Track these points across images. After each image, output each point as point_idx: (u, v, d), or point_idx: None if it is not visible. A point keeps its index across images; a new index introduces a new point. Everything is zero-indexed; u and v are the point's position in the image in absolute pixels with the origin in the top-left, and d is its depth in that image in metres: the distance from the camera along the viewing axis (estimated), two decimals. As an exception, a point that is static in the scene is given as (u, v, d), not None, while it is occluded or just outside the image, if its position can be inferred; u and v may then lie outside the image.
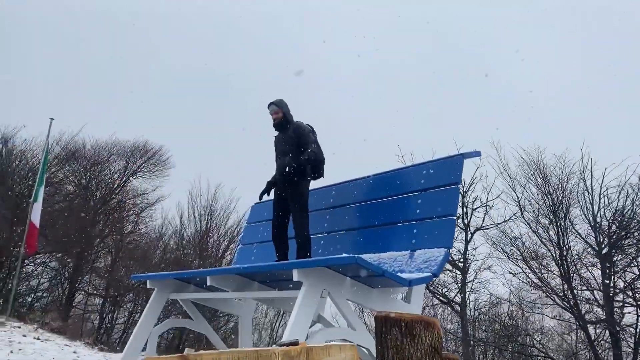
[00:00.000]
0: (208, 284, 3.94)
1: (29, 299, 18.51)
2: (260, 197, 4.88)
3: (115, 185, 19.39)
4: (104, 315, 19.90)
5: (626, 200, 11.63)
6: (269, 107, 4.71)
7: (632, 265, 11.49)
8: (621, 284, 11.53)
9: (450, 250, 3.73)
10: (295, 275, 3.17)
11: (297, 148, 4.53)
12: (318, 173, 4.63)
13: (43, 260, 18.06)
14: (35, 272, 18.32)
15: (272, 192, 4.90)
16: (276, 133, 4.82)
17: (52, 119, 10.90)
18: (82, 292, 19.50)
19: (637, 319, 11.19)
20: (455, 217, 3.75)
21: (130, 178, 19.76)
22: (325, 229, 4.81)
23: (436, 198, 3.89)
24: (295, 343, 1.23)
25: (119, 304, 20.14)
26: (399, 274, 3.46)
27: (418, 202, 4.01)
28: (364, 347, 3.37)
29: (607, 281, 11.35)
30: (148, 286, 4.74)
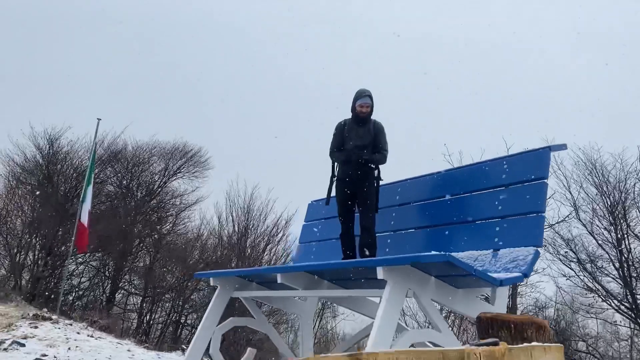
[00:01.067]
0: (279, 281, 3.80)
1: (71, 298, 18.88)
2: (328, 199, 4.70)
3: (156, 186, 19.60)
4: (143, 314, 20.13)
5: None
6: (360, 97, 4.46)
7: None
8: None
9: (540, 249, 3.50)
10: (380, 273, 2.99)
11: (373, 145, 4.40)
12: None
13: (84, 259, 18.36)
14: (77, 271, 18.66)
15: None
16: (340, 119, 4.66)
17: (99, 119, 11.02)
18: (123, 291, 19.77)
19: None
20: (544, 214, 3.53)
21: (170, 179, 19.96)
22: (391, 227, 4.62)
23: (521, 194, 3.67)
24: (495, 343, 1.07)
25: (158, 303, 20.37)
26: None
27: (500, 198, 3.79)
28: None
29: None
30: (211, 284, 4.64)
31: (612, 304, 11.71)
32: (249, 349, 4.71)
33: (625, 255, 11.44)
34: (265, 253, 19.08)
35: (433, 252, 3.04)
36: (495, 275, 3.25)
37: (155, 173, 19.63)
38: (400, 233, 4.55)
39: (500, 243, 3.63)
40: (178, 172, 20.01)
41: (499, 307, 3.56)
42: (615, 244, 11.59)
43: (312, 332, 5.21)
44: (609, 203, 11.94)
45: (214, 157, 20.92)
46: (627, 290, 11.21)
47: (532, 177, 3.65)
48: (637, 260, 11.50)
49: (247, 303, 4.80)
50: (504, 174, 3.86)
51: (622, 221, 11.68)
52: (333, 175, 4.63)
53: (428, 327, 4.01)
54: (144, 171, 19.28)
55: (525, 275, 3.31)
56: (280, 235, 19.10)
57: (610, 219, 11.82)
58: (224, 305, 4.67)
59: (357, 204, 4.45)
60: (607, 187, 12.06)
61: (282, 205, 22.31)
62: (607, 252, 11.79)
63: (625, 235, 11.58)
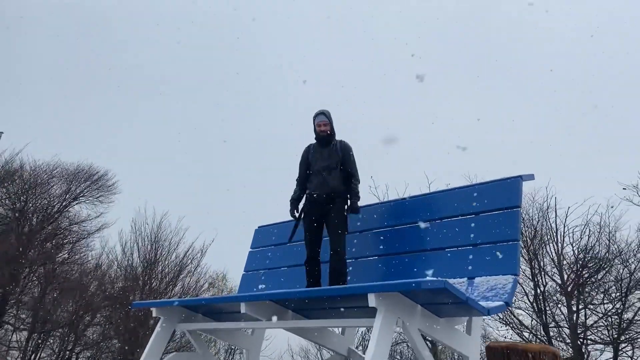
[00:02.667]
0: (243, 311, 3.45)
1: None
2: (296, 223, 4.43)
3: (55, 210, 17.94)
4: (28, 353, 18.17)
5: (589, 238, 12.16)
6: (317, 117, 4.37)
7: (595, 303, 11.87)
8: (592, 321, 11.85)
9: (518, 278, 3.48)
10: (372, 300, 2.79)
11: (340, 166, 4.25)
12: None
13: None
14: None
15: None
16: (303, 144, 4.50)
17: (1, 132, 9.95)
18: (8, 326, 17.69)
19: (614, 356, 11.45)
20: (519, 242, 3.53)
21: (72, 203, 18.39)
22: (353, 255, 4.44)
23: (493, 222, 3.66)
24: None
25: (46, 339, 18.51)
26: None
27: (471, 226, 3.76)
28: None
29: (573, 318, 11.59)
30: (153, 315, 4.15)
31: (523, 337, 12.30)
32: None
33: (541, 289, 12.17)
34: (178, 284, 17.94)
35: (429, 278, 2.90)
36: (484, 303, 3.17)
37: (55, 196, 18.00)
38: (363, 260, 4.39)
39: (475, 271, 3.58)
40: (81, 196, 18.50)
41: (476, 337, 3.47)
42: (531, 278, 12.32)
43: (258, 369, 4.81)
44: (524, 239, 12.72)
45: (121, 181, 19.65)
46: (541, 323, 11.86)
47: (505, 205, 3.66)
48: (549, 294, 12.27)
49: (192, 336, 4.36)
50: (475, 201, 3.85)
51: (534, 258, 12.46)
52: (295, 209, 4.44)
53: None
54: (42, 193, 17.61)
55: (508, 304, 3.25)
56: (194, 265, 18.13)
57: (527, 254, 12.57)
58: (167, 339, 4.20)
59: (326, 227, 4.23)
60: (523, 223, 12.86)
61: (193, 235, 21.28)
62: (521, 286, 12.47)
63: (540, 271, 12.35)
